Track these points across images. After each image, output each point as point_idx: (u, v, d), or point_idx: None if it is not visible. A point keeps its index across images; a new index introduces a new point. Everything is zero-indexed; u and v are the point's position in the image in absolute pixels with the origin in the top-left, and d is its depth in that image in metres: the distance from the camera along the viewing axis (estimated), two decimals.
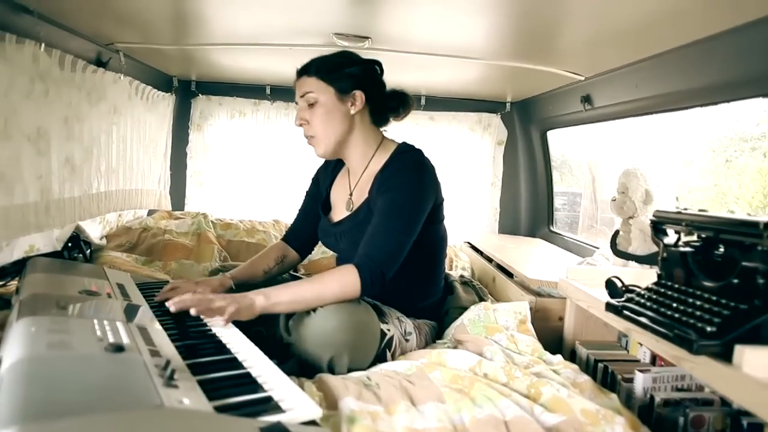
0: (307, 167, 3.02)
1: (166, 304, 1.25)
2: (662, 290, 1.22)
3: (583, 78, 2.03)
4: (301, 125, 1.54)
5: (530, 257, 2.39)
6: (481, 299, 1.82)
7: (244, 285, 1.58)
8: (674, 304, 1.12)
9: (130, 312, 1.22)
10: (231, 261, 2.38)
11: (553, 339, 1.71)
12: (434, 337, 1.65)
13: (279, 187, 3.10)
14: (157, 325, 1.19)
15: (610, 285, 1.42)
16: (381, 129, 1.62)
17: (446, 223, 1.66)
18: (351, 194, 1.63)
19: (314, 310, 1.32)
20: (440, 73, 2.45)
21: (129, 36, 1.95)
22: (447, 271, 2.00)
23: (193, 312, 1.19)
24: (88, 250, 2.13)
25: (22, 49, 1.48)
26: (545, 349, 1.52)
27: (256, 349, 1.16)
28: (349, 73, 1.50)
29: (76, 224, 1.92)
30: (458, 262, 2.51)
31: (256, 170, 3.10)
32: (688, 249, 1.21)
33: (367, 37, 1.82)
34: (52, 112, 1.64)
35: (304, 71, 1.53)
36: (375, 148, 1.58)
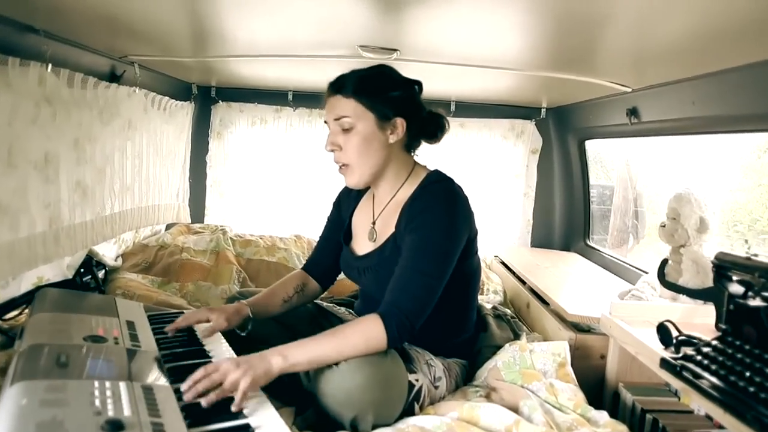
0: (331, 178, 2.95)
1: (183, 390, 1.09)
2: (729, 350, 1.09)
3: (629, 90, 1.87)
4: (332, 151, 1.42)
5: (566, 279, 2.25)
6: (516, 334, 1.69)
7: (261, 314, 1.50)
8: (746, 372, 0.99)
9: (136, 367, 1.14)
10: (250, 282, 2.30)
11: (594, 379, 1.59)
12: (465, 377, 1.54)
13: (301, 198, 3.01)
14: (163, 380, 1.12)
15: (662, 330, 1.29)
16: (413, 154, 1.50)
17: None
18: (374, 223, 1.52)
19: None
20: (471, 82, 2.32)
21: (144, 49, 1.86)
22: (479, 297, 1.88)
23: (204, 403, 1.07)
24: (103, 271, 2.08)
25: (26, 73, 1.40)
26: (584, 390, 1.41)
27: (274, 412, 1.07)
28: (391, 98, 1.37)
29: (89, 248, 1.85)
30: (490, 285, 2.38)
31: (277, 180, 3.01)
32: (761, 304, 1.07)
33: (395, 50, 1.70)
34: (60, 135, 1.57)
35: (339, 88, 1.38)
36: (406, 177, 1.46)
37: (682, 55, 1.39)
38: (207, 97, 2.93)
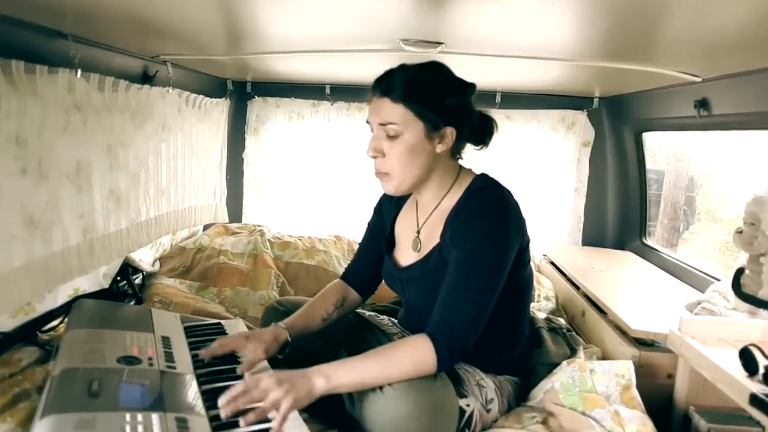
0: (371, 175, 2.87)
1: (220, 405, 1.07)
2: None
3: (700, 79, 1.71)
4: (374, 157, 1.32)
5: (624, 285, 2.11)
6: (573, 349, 1.58)
7: (300, 334, 1.43)
8: None
9: (170, 393, 1.09)
10: (288, 286, 2.25)
11: (660, 400, 1.47)
12: (517, 396, 1.45)
13: (340, 195, 2.95)
14: (198, 406, 1.08)
15: (746, 356, 1.16)
16: (458, 159, 1.40)
17: None
18: (419, 232, 1.43)
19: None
20: (518, 72, 2.19)
21: (177, 48, 1.82)
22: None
23: (242, 424, 1.03)
24: (140, 277, 2.06)
25: (55, 80, 1.36)
26: (649, 413, 1.30)
27: None
28: (444, 107, 1.26)
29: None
30: (541, 290, 2.26)
31: (315, 176, 2.96)
32: None
33: (439, 42, 1.60)
34: (92, 142, 1.54)
35: (387, 90, 1.26)
36: (451, 184, 1.36)
37: (762, 42, 1.24)
38: (242, 92, 2.88)
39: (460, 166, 1.40)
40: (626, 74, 1.94)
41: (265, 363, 1.35)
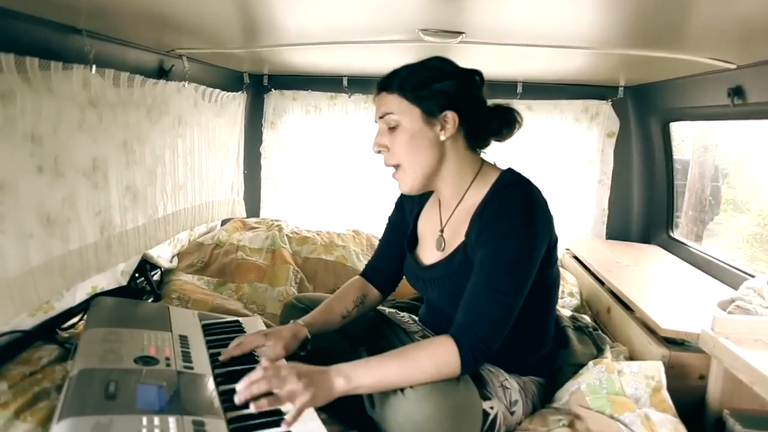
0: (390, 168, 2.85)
1: (237, 390, 1.07)
2: None
3: (734, 66, 1.64)
4: (379, 152, 1.32)
5: (651, 280, 2.05)
6: (599, 349, 1.54)
7: (318, 332, 1.41)
8: None
9: (187, 394, 1.08)
10: (307, 282, 2.23)
11: (692, 403, 1.41)
12: (542, 397, 1.41)
13: (358, 189, 2.92)
14: (216, 407, 1.07)
15: None
16: (479, 152, 1.36)
17: None
18: (442, 231, 1.39)
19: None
20: (540, 62, 2.13)
21: (193, 42, 1.80)
22: None
23: (253, 409, 1.02)
24: (158, 273, 2.06)
25: (69, 76, 1.35)
26: (680, 415, 1.25)
27: None
28: (438, 90, 1.24)
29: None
30: (565, 286, 2.21)
31: (333, 170, 2.93)
32: None
33: (460, 32, 1.55)
34: (108, 139, 1.53)
35: (384, 86, 1.29)
36: (471, 178, 1.32)
37: None
38: (259, 85, 2.86)
39: (482, 160, 1.36)
40: (654, 62, 1.88)
41: (283, 362, 1.33)
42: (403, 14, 1.40)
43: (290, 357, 1.34)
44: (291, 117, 2.92)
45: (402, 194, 1.58)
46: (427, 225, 1.46)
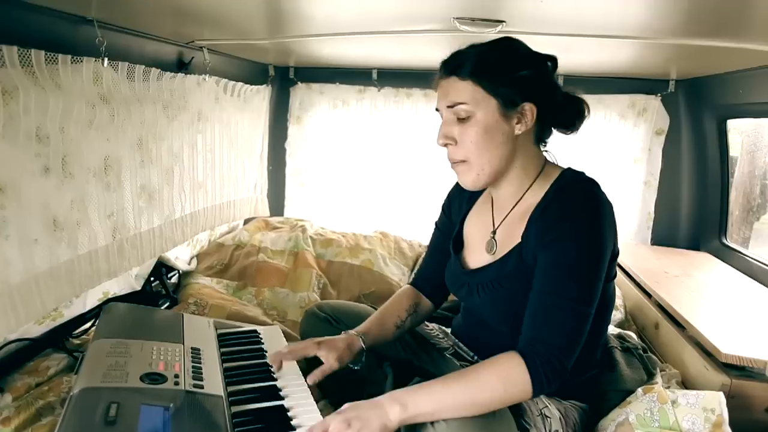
0: (421, 165, 2.77)
1: None
2: None
3: None
4: (445, 145, 1.18)
5: (705, 294, 1.90)
6: (650, 373, 1.41)
7: (373, 344, 1.32)
8: None
9: (194, 419, 1.01)
10: (330, 288, 2.15)
11: None
12: (584, 425, 1.29)
13: (387, 189, 2.82)
14: None
15: None
16: (542, 148, 1.24)
17: None
18: (494, 233, 1.27)
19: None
20: (584, 54, 2.00)
21: (214, 33, 1.73)
22: None
23: None
24: (176, 275, 2.00)
25: (79, 70, 1.29)
26: None
27: None
28: (519, 79, 1.11)
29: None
30: None
31: (361, 168, 2.84)
32: None
33: (500, 21, 1.44)
34: (121, 137, 1.47)
35: (454, 68, 1.13)
36: (534, 177, 1.20)
37: None
38: (285, 78, 2.79)
39: (546, 158, 1.24)
40: (710, 53, 1.73)
41: (297, 370, 1.29)
42: (437, 1, 1.30)
43: (342, 370, 1.26)
44: (318, 111, 2.85)
45: (450, 194, 1.47)
46: (476, 226, 1.35)
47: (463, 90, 1.11)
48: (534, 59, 1.14)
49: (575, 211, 1.09)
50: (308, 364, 1.31)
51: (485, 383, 1.02)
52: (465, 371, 1.07)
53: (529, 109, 1.11)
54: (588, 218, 1.08)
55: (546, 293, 1.07)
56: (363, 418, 0.99)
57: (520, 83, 1.10)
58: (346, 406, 1.05)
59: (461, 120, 1.13)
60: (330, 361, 1.20)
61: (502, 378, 1.02)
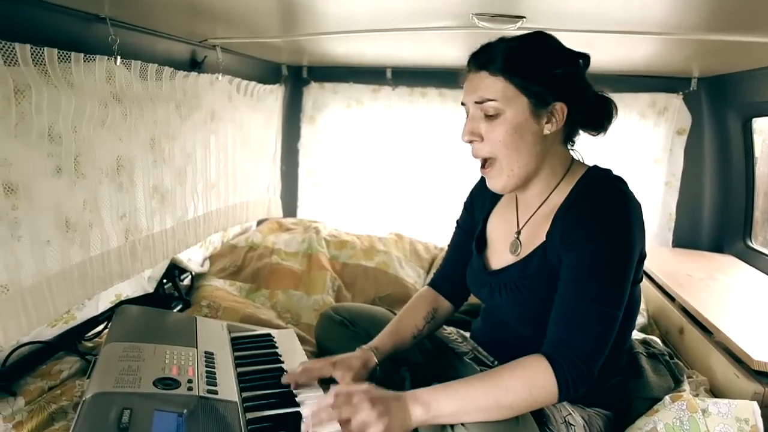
0: (437, 165, 2.74)
1: (304, 417, 1.02)
2: None
3: None
4: (470, 142, 1.15)
5: (731, 297, 1.85)
6: (677, 381, 1.37)
7: (388, 356, 1.32)
8: None
9: (208, 427, 0.99)
10: (345, 290, 2.13)
11: None
12: None
13: (402, 189, 2.79)
14: None
15: None
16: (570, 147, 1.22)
17: None
18: (519, 233, 1.24)
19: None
20: (603, 50, 1.95)
21: (227, 31, 1.72)
22: None
23: None
24: (189, 277, 1.99)
25: (92, 69, 1.28)
26: None
27: None
28: (553, 77, 1.07)
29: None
30: None
31: (375, 168, 2.81)
32: None
33: (520, 17, 1.41)
34: (134, 136, 1.46)
35: (485, 63, 1.09)
36: (561, 176, 1.17)
37: None
38: (298, 78, 2.78)
39: (572, 156, 1.21)
40: (736, 49, 1.67)
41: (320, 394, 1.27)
42: None
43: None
44: (331, 111, 2.83)
45: (472, 192, 1.44)
46: (499, 226, 1.32)
47: (494, 86, 1.08)
48: (568, 57, 1.11)
49: (601, 209, 1.06)
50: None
51: (510, 385, 1.00)
52: (489, 373, 1.05)
53: (560, 109, 1.08)
54: (615, 216, 1.04)
55: (571, 296, 1.04)
56: (388, 407, 0.98)
57: (554, 82, 1.07)
58: (366, 385, 1.04)
59: (489, 117, 1.10)
60: (346, 381, 1.19)
61: (528, 381, 1.00)
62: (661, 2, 1.23)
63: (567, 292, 1.05)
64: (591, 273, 1.03)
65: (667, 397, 1.26)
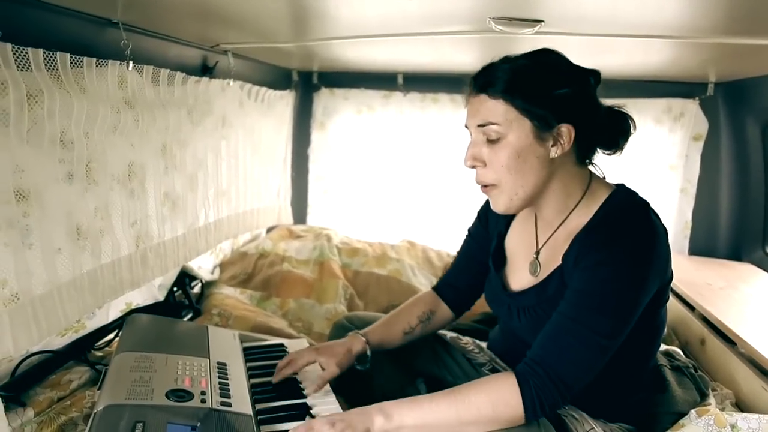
0: (449, 172, 2.71)
1: None
2: None
3: None
4: (473, 167, 1.13)
5: (754, 306, 1.81)
6: (703, 394, 1.33)
7: (376, 348, 1.33)
8: None
9: None
10: (358, 299, 2.10)
11: None
12: None
13: (413, 196, 2.77)
14: None
15: None
16: (588, 165, 1.17)
17: None
18: (538, 254, 1.21)
19: None
20: (618, 55, 1.93)
21: (239, 36, 1.71)
22: None
23: None
24: (199, 285, 1.97)
25: (104, 74, 1.27)
26: None
27: None
28: (556, 98, 1.03)
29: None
30: None
31: (386, 174, 2.80)
32: None
33: (538, 21, 1.38)
34: (145, 142, 1.44)
35: (485, 85, 1.06)
36: (580, 197, 1.13)
37: None
38: (308, 83, 2.77)
39: (592, 174, 1.17)
40: (755, 52, 1.64)
41: (327, 387, 1.28)
42: (473, 0, 1.25)
43: (349, 372, 1.28)
44: (342, 117, 2.82)
45: (487, 203, 1.42)
46: (518, 243, 1.28)
47: (494, 109, 1.05)
48: (574, 75, 1.07)
49: (621, 239, 1.01)
50: (337, 383, 1.29)
51: (473, 401, 0.99)
52: (457, 388, 1.03)
53: (567, 131, 1.04)
54: (633, 247, 1.00)
55: (565, 316, 1.02)
56: (347, 422, 0.98)
57: (557, 103, 1.03)
58: (336, 413, 1.05)
59: (491, 141, 1.06)
60: (330, 367, 1.23)
61: (493, 397, 0.99)
62: (678, 5, 1.20)
63: (562, 313, 1.03)
64: (594, 300, 1.00)
65: (692, 412, 1.23)
